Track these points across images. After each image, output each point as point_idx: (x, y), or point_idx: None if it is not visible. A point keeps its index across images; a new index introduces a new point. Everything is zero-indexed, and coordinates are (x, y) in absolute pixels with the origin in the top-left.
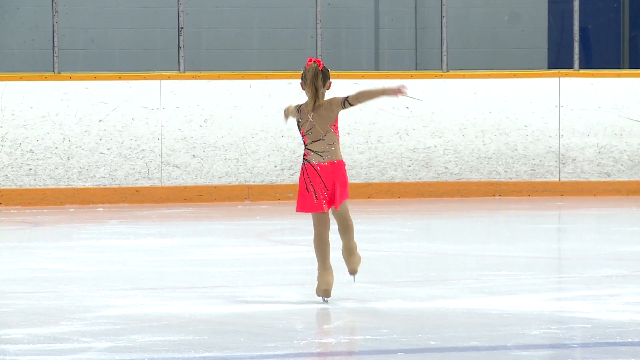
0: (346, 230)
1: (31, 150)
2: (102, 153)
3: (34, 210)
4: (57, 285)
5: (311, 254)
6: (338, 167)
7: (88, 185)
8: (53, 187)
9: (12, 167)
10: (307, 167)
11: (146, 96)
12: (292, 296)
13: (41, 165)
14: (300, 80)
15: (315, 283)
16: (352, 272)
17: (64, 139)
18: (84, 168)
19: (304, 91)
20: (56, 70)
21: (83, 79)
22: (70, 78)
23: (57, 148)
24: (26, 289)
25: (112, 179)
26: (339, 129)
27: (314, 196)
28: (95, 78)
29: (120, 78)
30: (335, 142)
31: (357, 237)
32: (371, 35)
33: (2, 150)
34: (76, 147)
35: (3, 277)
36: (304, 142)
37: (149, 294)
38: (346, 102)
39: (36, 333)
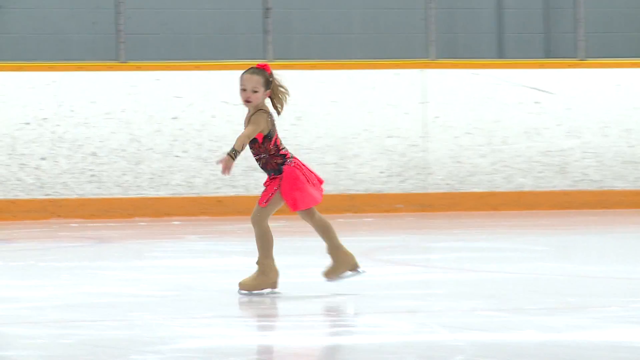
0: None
1: (94, 153)
2: (177, 156)
3: (98, 224)
4: (127, 312)
5: (425, 275)
6: None
7: (161, 194)
8: (120, 196)
9: (72, 173)
10: (298, 161)
11: (228, 89)
12: (402, 326)
13: (106, 171)
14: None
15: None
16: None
17: (132, 139)
18: (156, 174)
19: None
20: (122, 59)
21: (154, 69)
22: (139, 68)
23: (124, 150)
24: (90, 316)
25: (189, 187)
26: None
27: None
28: (167, 68)
29: (197, 68)
30: None
31: (480, 255)
32: (493, 17)
33: (59, 153)
34: (146, 150)
35: (63, 303)
36: (278, 145)
37: (234, 323)
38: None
39: None
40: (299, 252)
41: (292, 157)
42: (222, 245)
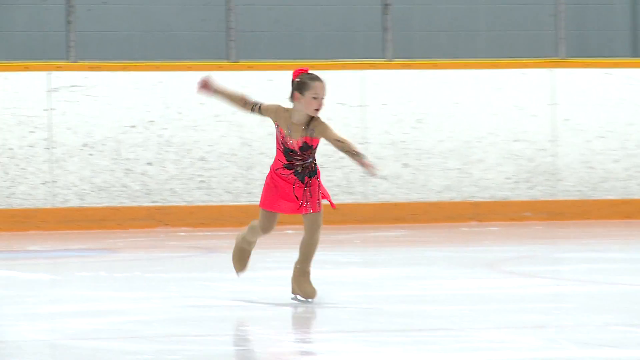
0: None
1: (203, 158)
2: None
3: (208, 233)
4: (238, 326)
5: (554, 287)
6: None
7: None
8: (230, 203)
9: (180, 179)
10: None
11: (345, 90)
12: (530, 341)
13: (215, 177)
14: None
15: None
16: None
17: (244, 143)
18: None
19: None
20: (232, 58)
21: (266, 69)
22: (250, 68)
23: (234, 155)
24: (199, 331)
25: None
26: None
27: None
28: (281, 68)
29: (312, 67)
30: None
31: (613, 267)
32: (627, 13)
33: (167, 158)
34: (258, 154)
35: (170, 316)
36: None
37: (353, 338)
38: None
39: None
40: (420, 262)
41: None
42: (339, 255)
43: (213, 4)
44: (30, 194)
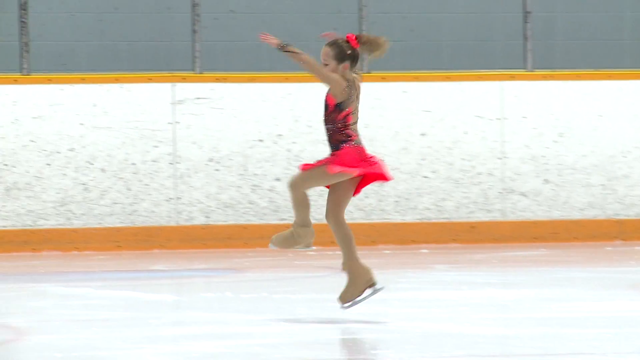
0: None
1: None
2: (425, 177)
3: (338, 252)
4: (369, 350)
5: None
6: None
7: (407, 219)
8: (362, 221)
9: (310, 196)
10: (359, 150)
11: (483, 102)
12: None
13: None
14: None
15: None
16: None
17: None
18: (402, 197)
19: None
20: (365, 69)
21: (400, 80)
22: (383, 79)
23: None
24: (328, 355)
25: (439, 211)
26: None
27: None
28: (416, 79)
29: (448, 79)
30: None
31: None
32: None
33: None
34: (392, 169)
35: (298, 340)
36: (347, 122)
37: None
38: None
39: None
40: (561, 283)
41: (359, 143)
42: (475, 275)
43: (345, 12)
44: (154, 211)
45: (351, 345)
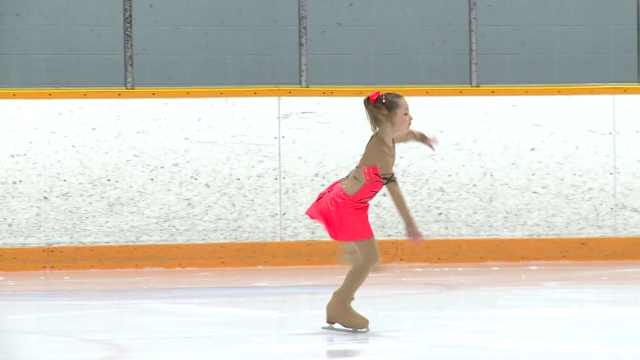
0: None
1: (441, 189)
2: (535, 192)
3: (446, 269)
4: None
5: None
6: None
7: (516, 235)
8: (470, 237)
9: (417, 211)
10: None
11: (594, 116)
12: None
13: (455, 209)
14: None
15: None
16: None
17: (485, 173)
18: (511, 212)
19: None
20: (474, 83)
21: (510, 94)
22: (493, 93)
23: (475, 186)
24: None
25: (548, 227)
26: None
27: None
28: (526, 93)
29: (559, 92)
30: (360, 181)
31: None
32: None
33: (403, 189)
34: (501, 185)
35: (405, 357)
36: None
37: None
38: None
39: None
40: None
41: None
42: (586, 293)
43: (454, 25)
44: (258, 227)
45: None
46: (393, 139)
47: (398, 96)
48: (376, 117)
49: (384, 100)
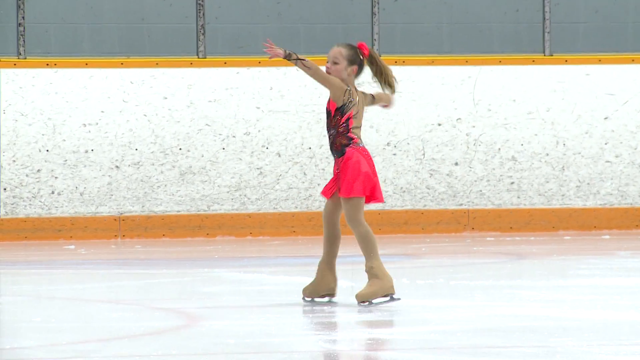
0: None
1: (513, 158)
2: (608, 162)
3: (517, 238)
4: (548, 337)
5: None
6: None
7: (589, 204)
8: (542, 206)
9: (489, 180)
10: (362, 151)
11: None
12: None
13: (526, 178)
14: (350, 62)
15: None
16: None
17: (558, 142)
18: (584, 182)
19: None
20: (547, 52)
21: (583, 63)
22: (566, 62)
23: (547, 155)
24: (505, 342)
25: (621, 196)
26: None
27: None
28: (599, 61)
29: (633, 61)
30: None
31: None
32: None
33: (475, 158)
34: (573, 154)
35: (475, 326)
36: (349, 125)
37: None
38: (373, 98)
39: None
40: None
41: (361, 144)
42: None
43: None
44: None
45: (529, 333)
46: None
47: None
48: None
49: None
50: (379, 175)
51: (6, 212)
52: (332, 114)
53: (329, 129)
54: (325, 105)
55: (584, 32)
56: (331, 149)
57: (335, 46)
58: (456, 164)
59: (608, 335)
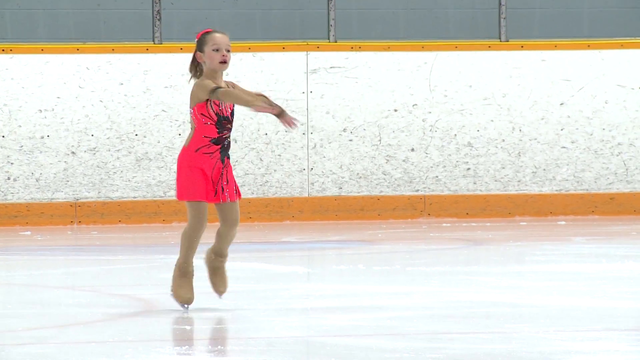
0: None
1: (469, 144)
2: (564, 147)
3: (473, 224)
4: (503, 323)
5: None
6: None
7: (545, 190)
8: (498, 192)
9: (445, 166)
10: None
11: (624, 71)
12: None
13: (482, 164)
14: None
15: None
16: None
17: (514, 128)
18: (540, 168)
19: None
20: (503, 37)
21: (538, 49)
22: (522, 47)
23: (503, 141)
24: (462, 328)
25: (577, 182)
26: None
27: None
28: (555, 47)
29: (589, 47)
30: (192, 128)
31: None
32: None
33: (431, 144)
34: (529, 140)
35: (432, 312)
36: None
37: (627, 337)
38: (214, 93)
39: None
40: None
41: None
42: (614, 248)
43: None
44: (285, 182)
45: (485, 319)
46: (229, 85)
47: (209, 32)
48: (194, 58)
49: (196, 39)
50: (335, 161)
51: None
52: (231, 118)
53: (231, 127)
54: (229, 111)
55: (540, 17)
56: (226, 150)
57: (224, 33)
58: (412, 150)
59: (564, 321)
